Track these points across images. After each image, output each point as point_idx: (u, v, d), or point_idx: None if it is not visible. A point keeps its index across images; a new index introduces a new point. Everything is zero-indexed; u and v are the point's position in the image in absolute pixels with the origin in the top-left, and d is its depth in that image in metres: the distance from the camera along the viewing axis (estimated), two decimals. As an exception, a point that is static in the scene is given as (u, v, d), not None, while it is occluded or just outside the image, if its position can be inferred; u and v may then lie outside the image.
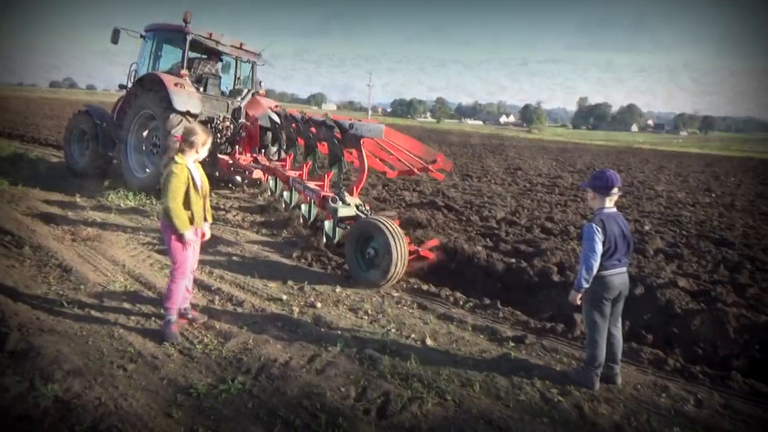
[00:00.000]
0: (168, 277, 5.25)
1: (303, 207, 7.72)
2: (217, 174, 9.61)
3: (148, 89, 9.57)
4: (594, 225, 3.72)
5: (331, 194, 6.90)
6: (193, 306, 4.81)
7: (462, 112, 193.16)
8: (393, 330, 4.77)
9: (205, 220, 4.57)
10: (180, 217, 4.19)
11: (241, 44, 10.61)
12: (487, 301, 5.59)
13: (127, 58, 11.33)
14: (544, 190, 13.70)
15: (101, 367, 3.75)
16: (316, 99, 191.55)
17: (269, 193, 9.16)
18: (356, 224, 6.30)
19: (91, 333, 4.27)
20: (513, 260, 6.49)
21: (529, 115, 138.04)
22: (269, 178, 8.82)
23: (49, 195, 9.35)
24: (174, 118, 8.93)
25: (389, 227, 5.82)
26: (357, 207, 6.79)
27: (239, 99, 10.50)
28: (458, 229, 8.12)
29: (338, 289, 5.72)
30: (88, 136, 11.05)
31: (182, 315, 4.53)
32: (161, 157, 8.64)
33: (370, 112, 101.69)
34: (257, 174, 8.78)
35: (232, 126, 9.89)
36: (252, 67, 11.11)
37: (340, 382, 3.77)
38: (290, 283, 5.81)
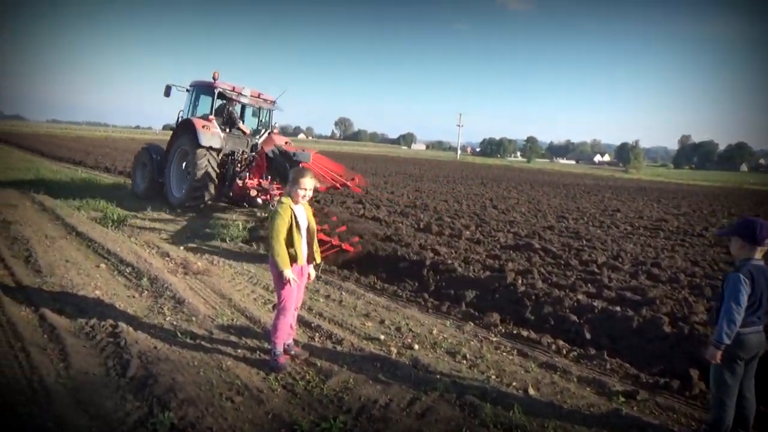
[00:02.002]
0: (272, 312, 5.47)
1: None
2: (231, 194, 11.61)
3: (185, 130, 12.14)
4: (741, 276, 3.45)
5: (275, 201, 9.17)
6: (296, 342, 4.94)
7: (554, 151, 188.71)
8: (493, 377, 4.64)
9: (312, 260, 4.72)
10: (281, 255, 4.37)
11: (259, 94, 13.04)
12: (593, 351, 5.32)
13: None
14: (647, 234, 12.95)
15: (212, 397, 3.92)
16: (406, 139, 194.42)
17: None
18: None
19: (202, 364, 4.49)
20: (618, 308, 6.15)
21: (625, 154, 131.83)
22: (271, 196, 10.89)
23: (164, 229, 10.09)
24: (200, 151, 11.40)
25: None
26: None
27: (258, 137, 12.95)
28: (558, 274, 7.83)
29: (435, 331, 5.66)
30: (147, 167, 13.70)
31: (285, 351, 4.66)
32: (191, 182, 11.60)
33: (459, 152, 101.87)
34: (253, 193, 10.95)
35: (248, 158, 11.92)
36: (269, 111, 13.58)
37: (441, 428, 3.70)
38: (387, 323, 5.83)
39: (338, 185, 9.71)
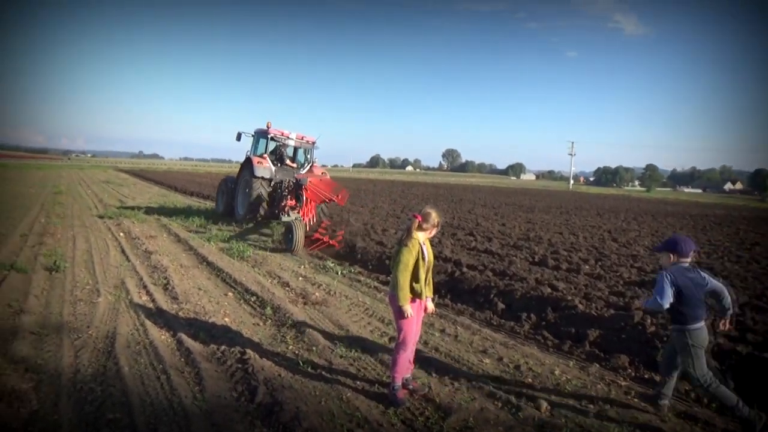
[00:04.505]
0: (389, 344, 5.50)
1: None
2: (277, 212, 14.50)
3: (246, 165, 15.85)
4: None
5: (284, 210, 13.71)
6: (414, 377, 4.91)
7: (676, 179, 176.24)
8: (625, 425, 4.30)
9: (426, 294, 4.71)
10: (404, 288, 4.40)
11: (303, 137, 16.51)
12: (740, 403, 4.77)
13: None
14: (796, 271, 11.57)
15: (333, 428, 3.98)
16: (515, 169, 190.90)
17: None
18: (285, 223, 12.49)
19: (323, 393, 4.58)
20: (766, 354, 5.50)
21: (761, 181, 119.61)
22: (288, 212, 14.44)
23: (282, 261, 10.60)
24: (255, 180, 14.91)
25: (296, 224, 11.70)
26: (294, 219, 12.87)
27: (301, 169, 16.45)
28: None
29: (557, 371, 5.38)
30: (225, 194, 17.45)
31: (404, 385, 4.64)
32: (248, 202, 15.10)
33: (571, 182, 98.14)
34: (286, 209, 14.07)
35: (291, 185, 14.78)
36: (311, 150, 17.08)
37: (570, 478, 3.47)
38: (506, 360, 5.63)
39: (328, 200, 13.11)
